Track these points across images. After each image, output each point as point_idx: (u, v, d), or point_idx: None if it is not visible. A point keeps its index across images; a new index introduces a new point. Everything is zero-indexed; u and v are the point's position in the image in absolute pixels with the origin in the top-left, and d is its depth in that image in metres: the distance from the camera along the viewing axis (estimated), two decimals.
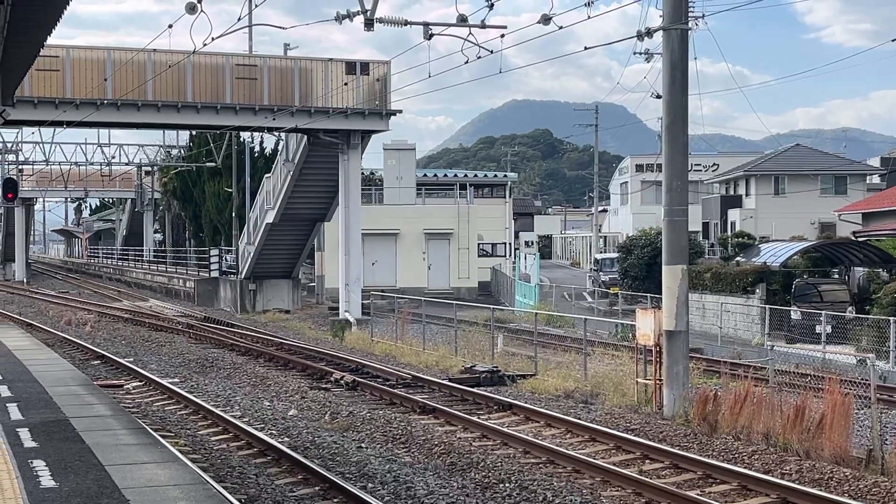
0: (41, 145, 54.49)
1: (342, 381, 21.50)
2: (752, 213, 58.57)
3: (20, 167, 63.07)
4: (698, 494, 12.04)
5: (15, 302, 49.47)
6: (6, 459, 10.00)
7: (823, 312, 28.04)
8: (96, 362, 24.97)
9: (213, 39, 19.06)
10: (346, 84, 35.69)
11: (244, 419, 16.89)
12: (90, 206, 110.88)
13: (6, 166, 60.23)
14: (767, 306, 31.03)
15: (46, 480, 9.12)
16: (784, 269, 35.38)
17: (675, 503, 11.72)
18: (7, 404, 13.51)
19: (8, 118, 18.34)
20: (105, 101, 33.62)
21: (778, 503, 11.89)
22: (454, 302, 30.66)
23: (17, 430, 11.62)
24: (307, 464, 12.96)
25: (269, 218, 41.70)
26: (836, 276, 36.32)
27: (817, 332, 27.83)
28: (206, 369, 24.23)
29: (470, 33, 21.87)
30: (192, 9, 16.88)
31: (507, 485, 12.54)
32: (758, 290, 34.66)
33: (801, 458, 13.92)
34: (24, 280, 71.93)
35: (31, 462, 9.87)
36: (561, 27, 18.65)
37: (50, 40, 15.00)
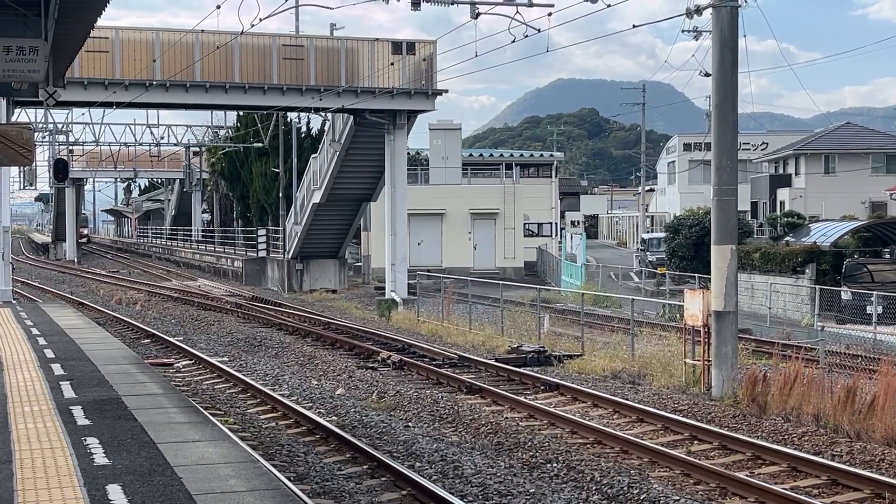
0: (91, 126, 55.00)
1: (389, 361, 21.58)
2: (802, 193, 57.84)
3: (70, 148, 63.69)
4: (747, 475, 11.98)
5: (66, 281, 50.12)
6: (60, 437, 10.14)
7: (874, 293, 27.69)
8: (146, 341, 25.26)
9: (260, 20, 19.16)
10: (392, 64, 35.64)
11: (292, 398, 17.02)
12: (139, 186, 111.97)
13: (57, 147, 60.88)
14: (817, 286, 30.70)
15: (100, 458, 9.22)
16: (834, 248, 34.99)
17: (725, 484, 11.66)
18: (61, 382, 13.68)
19: (59, 99, 18.52)
20: (154, 82, 33.82)
21: (828, 484, 11.80)
22: (500, 282, 30.62)
23: (71, 407, 11.76)
24: (355, 442, 13.03)
25: (316, 198, 41.85)
26: (888, 255, 35.86)
27: (868, 312, 27.46)
28: (255, 348, 24.42)
29: (517, 12, 21.81)
30: None
31: (554, 465, 12.54)
32: (807, 271, 34.30)
33: (852, 439, 13.79)
34: (75, 259, 72.84)
35: (85, 440, 9.99)
36: (609, 5, 18.52)
37: (99, 21, 15.09)
